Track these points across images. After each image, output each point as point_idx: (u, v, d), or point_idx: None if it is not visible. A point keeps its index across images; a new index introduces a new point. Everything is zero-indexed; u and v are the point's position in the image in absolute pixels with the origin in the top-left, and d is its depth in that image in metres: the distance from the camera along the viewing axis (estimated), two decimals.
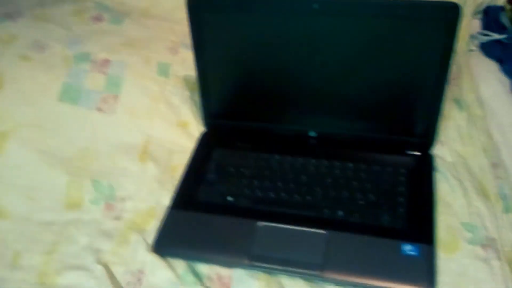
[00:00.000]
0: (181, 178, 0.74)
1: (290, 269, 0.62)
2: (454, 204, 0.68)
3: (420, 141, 0.74)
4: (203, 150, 0.79)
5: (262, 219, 0.67)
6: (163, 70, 0.85)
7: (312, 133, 0.78)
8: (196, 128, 0.82)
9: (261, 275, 0.63)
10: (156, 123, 0.81)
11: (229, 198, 0.71)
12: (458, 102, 0.81)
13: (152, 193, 0.74)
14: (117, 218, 0.71)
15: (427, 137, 0.73)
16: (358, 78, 0.71)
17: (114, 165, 0.77)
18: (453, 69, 0.86)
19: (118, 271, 0.65)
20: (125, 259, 0.66)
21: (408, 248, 0.63)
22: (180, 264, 0.65)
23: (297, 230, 0.66)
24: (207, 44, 0.73)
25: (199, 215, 0.69)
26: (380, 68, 0.69)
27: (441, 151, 0.75)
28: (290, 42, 0.70)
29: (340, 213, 0.67)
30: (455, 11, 0.62)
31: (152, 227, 0.69)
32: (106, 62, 0.83)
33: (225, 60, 0.75)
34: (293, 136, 0.78)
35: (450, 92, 0.82)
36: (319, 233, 0.65)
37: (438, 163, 0.73)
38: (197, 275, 0.64)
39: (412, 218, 0.66)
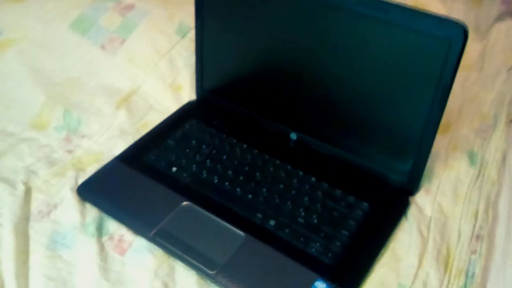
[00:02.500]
0: (142, 136, 0.71)
1: (188, 258, 0.56)
2: (403, 260, 0.57)
3: (398, 182, 0.63)
4: (180, 116, 0.75)
5: (190, 199, 0.62)
6: (182, 30, 0.83)
7: (293, 136, 0.70)
8: (187, 95, 0.78)
9: (160, 253, 0.58)
10: (150, 77, 0.79)
11: (173, 169, 0.66)
12: (472, 156, 0.68)
13: (110, 140, 0.71)
14: (69, 151, 0.70)
15: (408, 180, 0.62)
16: (348, 86, 0.62)
17: (92, 102, 0.76)
18: (490, 120, 0.73)
19: (37, 197, 0.64)
20: (50, 189, 0.65)
21: (321, 286, 0.53)
22: (93, 213, 0.62)
23: (218, 222, 0.59)
24: (210, 14, 0.69)
25: (136, 175, 0.65)
26: (372, 81, 0.60)
27: (423, 200, 0.63)
28: (288, 32, 0.63)
29: (272, 222, 0.60)
30: (460, 33, 0.51)
31: (92, 170, 0.67)
32: (130, 6, 0.83)
33: (225, 35, 0.69)
34: (273, 133, 0.71)
35: (470, 142, 0.69)
36: (237, 233, 0.58)
37: (412, 212, 0.62)
38: (100, 229, 0.60)
39: (345, 257, 0.56)
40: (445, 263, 0.57)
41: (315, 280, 0.54)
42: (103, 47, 0.79)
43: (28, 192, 0.64)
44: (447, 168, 0.66)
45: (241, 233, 0.58)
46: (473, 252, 0.58)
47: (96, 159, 0.69)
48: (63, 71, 0.78)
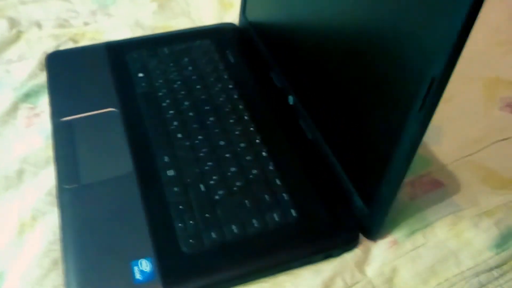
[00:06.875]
0: (149, 34, 0.63)
1: (60, 163, 0.47)
2: None
3: (360, 210, 0.41)
4: (201, 32, 0.63)
5: (123, 108, 0.52)
6: None
7: (291, 100, 0.52)
8: (232, 18, 0.66)
9: (49, 144, 0.49)
10: None
11: (140, 74, 0.56)
12: (507, 237, 0.41)
13: (120, 27, 0.65)
14: (85, 23, 0.66)
15: (370, 213, 0.40)
16: (343, 58, 0.41)
17: None
18: None
19: (19, 47, 0.62)
20: (34, 46, 0.62)
21: (143, 266, 0.39)
22: (39, 81, 0.56)
23: (122, 144, 0.48)
24: None
25: (103, 66, 0.57)
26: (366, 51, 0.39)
27: (380, 252, 0.40)
28: None
29: (171, 173, 0.45)
30: None
31: (80, 45, 0.61)
32: None
33: None
34: (276, 91, 0.55)
35: None
36: (127, 164, 0.46)
37: (349, 257, 0.40)
38: (30, 97, 0.55)
39: (201, 253, 0.40)
40: None
41: (145, 256, 0.39)
42: None
43: (15, 38, 0.62)
44: (454, 233, 0.41)
45: (130, 165, 0.46)
46: None
47: (93, 38, 0.63)
48: None
